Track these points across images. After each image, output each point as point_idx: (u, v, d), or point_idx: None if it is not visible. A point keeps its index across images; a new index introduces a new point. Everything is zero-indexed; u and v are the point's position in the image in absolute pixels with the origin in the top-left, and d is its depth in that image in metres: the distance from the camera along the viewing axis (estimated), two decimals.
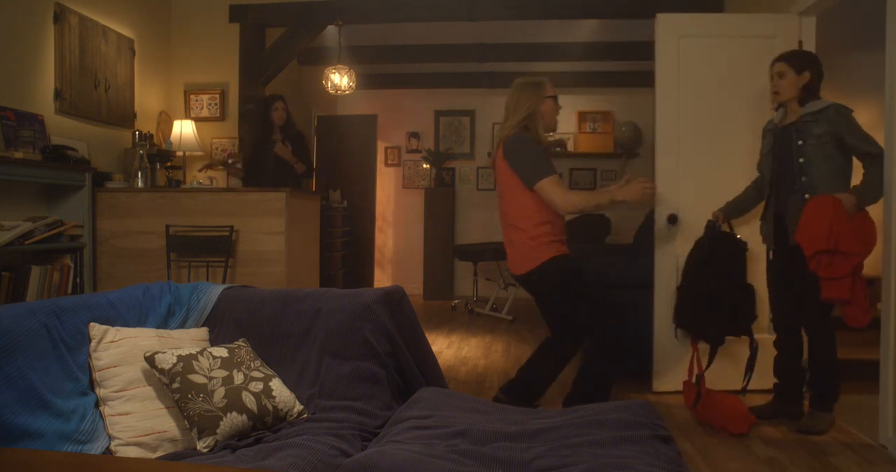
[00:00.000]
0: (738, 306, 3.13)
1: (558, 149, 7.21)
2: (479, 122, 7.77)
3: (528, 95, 2.88)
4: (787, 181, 3.05)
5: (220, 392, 1.72)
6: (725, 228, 3.32)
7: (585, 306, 2.81)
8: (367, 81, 7.08)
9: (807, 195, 2.94)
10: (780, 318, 3.21)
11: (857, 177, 2.98)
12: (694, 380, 3.18)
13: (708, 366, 3.19)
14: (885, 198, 2.79)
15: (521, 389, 3.02)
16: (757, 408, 3.19)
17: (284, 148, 4.69)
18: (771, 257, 3.23)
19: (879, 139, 2.87)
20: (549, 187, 2.74)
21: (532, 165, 2.78)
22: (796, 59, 3.02)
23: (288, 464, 1.48)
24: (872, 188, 2.84)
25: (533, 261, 2.81)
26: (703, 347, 3.23)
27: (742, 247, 3.21)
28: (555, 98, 2.93)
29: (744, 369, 3.21)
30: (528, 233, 2.81)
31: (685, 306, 3.23)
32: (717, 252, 3.17)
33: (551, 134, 3.01)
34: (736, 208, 3.37)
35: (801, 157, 2.96)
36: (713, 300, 3.12)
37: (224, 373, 1.78)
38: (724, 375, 3.60)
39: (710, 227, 3.26)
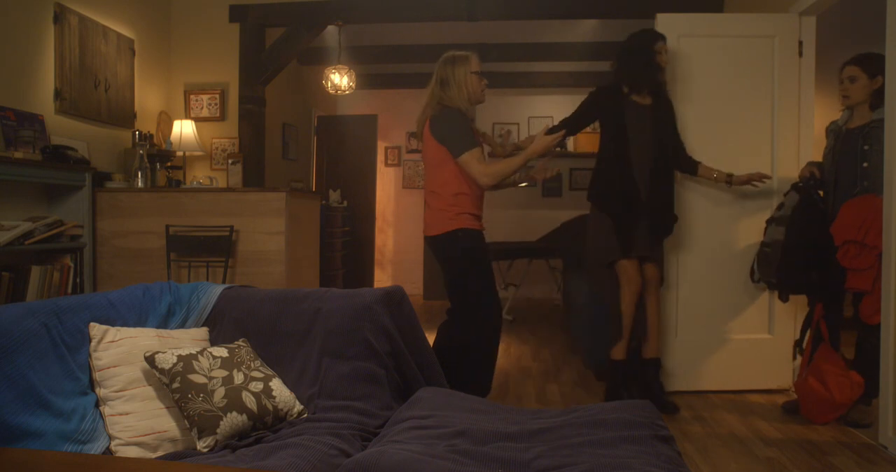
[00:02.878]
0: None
1: (559, 148, 7.21)
2: (480, 122, 7.76)
3: (452, 68, 3.02)
4: (848, 184, 3.04)
5: (220, 392, 1.72)
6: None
7: (475, 280, 2.98)
8: (367, 80, 7.08)
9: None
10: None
11: None
12: (810, 338, 3.17)
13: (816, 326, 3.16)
14: (885, 198, 2.78)
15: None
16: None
17: None
18: None
19: None
20: (471, 160, 2.92)
21: (459, 138, 2.94)
22: (870, 63, 2.98)
23: (288, 464, 1.48)
24: None
25: (444, 227, 2.98)
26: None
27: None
28: (479, 74, 3.05)
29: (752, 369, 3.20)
30: (445, 201, 2.98)
31: (782, 261, 3.11)
32: (812, 209, 3.10)
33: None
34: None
35: (866, 161, 2.96)
36: (816, 256, 3.05)
37: (224, 373, 1.78)
38: (724, 375, 3.61)
39: (812, 181, 3.14)
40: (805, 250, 3.08)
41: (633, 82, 3.29)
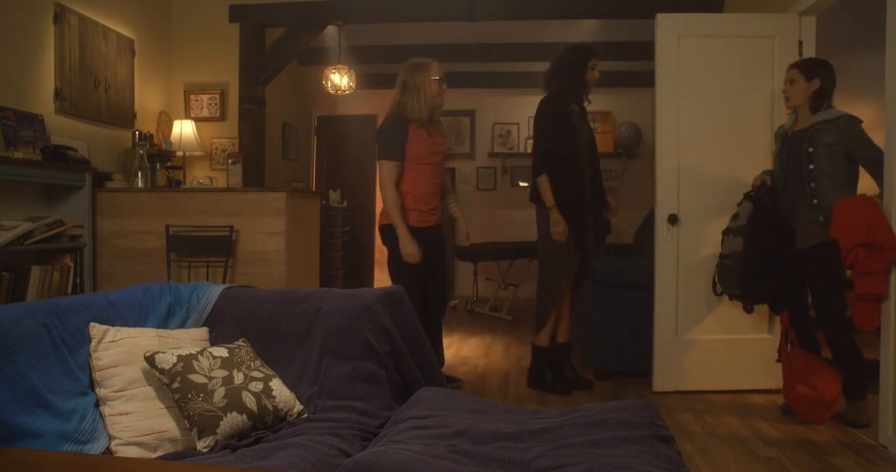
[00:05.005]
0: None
1: None
2: (479, 122, 7.77)
3: (413, 74, 3.35)
4: (796, 186, 3.07)
5: (220, 392, 1.72)
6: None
7: (393, 268, 3.42)
8: (367, 80, 7.07)
9: (815, 201, 2.98)
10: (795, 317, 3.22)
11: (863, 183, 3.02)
12: (788, 349, 3.22)
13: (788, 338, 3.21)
14: (885, 198, 2.79)
15: None
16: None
17: None
18: None
19: (879, 139, 2.88)
20: (381, 167, 3.37)
21: (382, 144, 3.38)
22: (807, 67, 3.06)
23: (288, 464, 1.47)
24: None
25: (384, 219, 3.44)
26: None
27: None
28: (440, 80, 3.36)
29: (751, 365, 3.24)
30: None
31: (744, 272, 3.14)
32: (767, 217, 3.14)
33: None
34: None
35: (811, 163, 3.00)
36: (775, 264, 3.10)
37: (224, 373, 1.78)
38: (724, 375, 3.61)
39: (764, 189, 3.18)
40: (766, 258, 3.11)
41: (566, 94, 3.54)
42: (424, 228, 3.41)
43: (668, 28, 3.59)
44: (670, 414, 3.22)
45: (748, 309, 3.29)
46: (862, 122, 2.97)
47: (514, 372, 4.08)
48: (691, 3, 4.48)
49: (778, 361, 3.33)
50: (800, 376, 3.09)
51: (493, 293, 6.68)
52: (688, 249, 3.60)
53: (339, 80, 5.48)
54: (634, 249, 4.73)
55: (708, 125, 3.58)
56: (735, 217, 3.26)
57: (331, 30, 5.48)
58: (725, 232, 3.29)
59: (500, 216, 7.53)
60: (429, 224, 3.44)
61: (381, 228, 3.47)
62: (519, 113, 7.66)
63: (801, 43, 3.56)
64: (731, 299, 3.36)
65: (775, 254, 3.10)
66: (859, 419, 2.98)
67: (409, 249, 3.30)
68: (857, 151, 2.92)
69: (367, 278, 7.23)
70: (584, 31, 6.06)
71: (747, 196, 3.23)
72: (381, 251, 7.92)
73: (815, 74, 3.03)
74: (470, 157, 7.75)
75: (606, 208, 3.75)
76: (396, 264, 3.40)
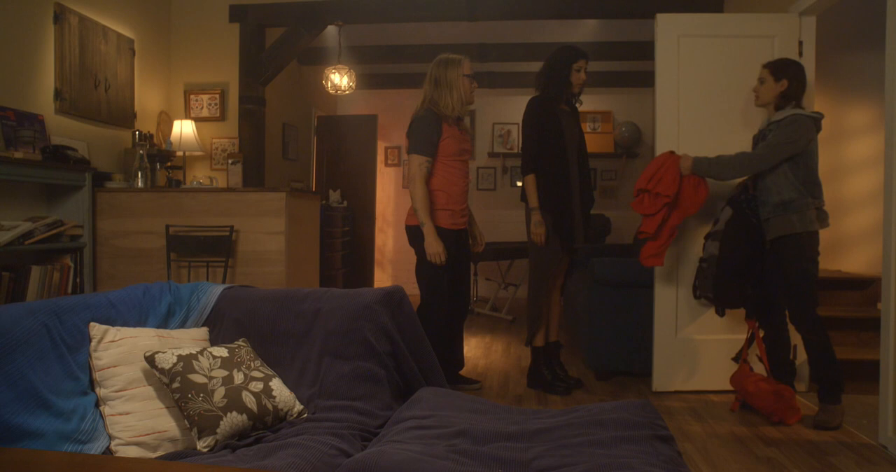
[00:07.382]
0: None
1: None
2: (479, 122, 7.77)
3: (444, 71, 3.37)
4: (757, 186, 3.18)
5: (220, 392, 1.72)
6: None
7: (426, 272, 3.30)
8: (367, 80, 7.07)
9: (763, 198, 3.09)
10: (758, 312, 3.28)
11: (826, 180, 3.13)
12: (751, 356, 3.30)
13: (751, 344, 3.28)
14: (885, 199, 2.79)
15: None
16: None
17: None
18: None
19: (879, 139, 2.88)
20: (413, 162, 3.26)
21: (415, 139, 3.29)
22: (776, 67, 3.13)
23: (288, 464, 1.48)
24: (717, 164, 3.15)
25: (413, 219, 3.31)
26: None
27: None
28: (470, 76, 3.38)
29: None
30: None
31: (717, 275, 3.19)
32: (745, 222, 3.18)
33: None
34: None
35: None
36: (749, 268, 3.15)
37: (224, 373, 1.78)
38: (724, 375, 3.62)
39: (745, 194, 3.21)
40: (740, 262, 3.14)
41: (552, 94, 3.51)
42: (457, 230, 3.39)
43: (668, 28, 3.59)
44: (670, 414, 3.22)
45: (719, 313, 3.34)
46: (817, 119, 3.02)
47: (514, 372, 4.08)
48: (691, 3, 4.49)
49: (734, 360, 3.38)
50: (758, 376, 3.19)
51: (493, 293, 6.69)
52: (687, 249, 3.60)
53: (339, 80, 5.48)
54: (634, 249, 4.73)
55: (708, 125, 3.58)
56: (716, 222, 3.30)
57: (331, 30, 5.49)
58: (706, 236, 3.34)
59: (500, 216, 7.53)
60: (459, 227, 3.42)
61: (409, 229, 3.36)
62: (519, 113, 7.54)
63: (801, 43, 3.56)
64: (708, 302, 3.39)
65: (750, 258, 3.14)
66: (829, 420, 2.96)
67: (436, 248, 3.20)
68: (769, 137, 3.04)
69: (367, 278, 7.23)
70: (583, 31, 6.06)
71: (728, 201, 3.27)
72: (380, 251, 7.95)
73: (784, 75, 3.08)
74: (470, 157, 7.74)
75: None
76: (426, 266, 3.29)
